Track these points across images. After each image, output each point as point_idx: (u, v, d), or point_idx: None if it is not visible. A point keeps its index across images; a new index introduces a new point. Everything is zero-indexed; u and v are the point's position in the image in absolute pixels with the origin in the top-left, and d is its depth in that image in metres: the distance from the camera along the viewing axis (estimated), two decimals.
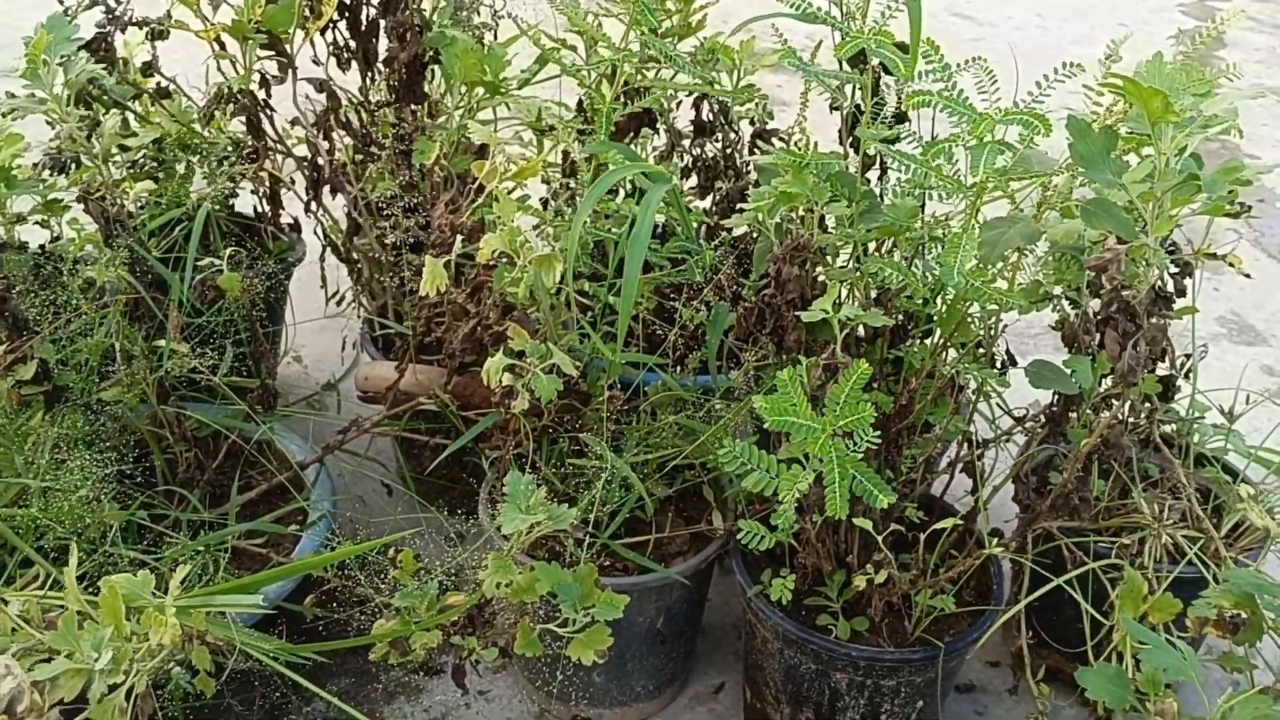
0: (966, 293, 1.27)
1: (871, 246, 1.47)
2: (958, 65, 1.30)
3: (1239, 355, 2.67)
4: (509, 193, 1.50)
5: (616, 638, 1.53)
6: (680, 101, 1.98)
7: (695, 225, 1.78)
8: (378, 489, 1.97)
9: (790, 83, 4.22)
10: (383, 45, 1.87)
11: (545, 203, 1.83)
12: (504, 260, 1.38)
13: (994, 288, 1.28)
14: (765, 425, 1.16)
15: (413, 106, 1.85)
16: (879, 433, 1.21)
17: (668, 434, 1.55)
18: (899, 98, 1.49)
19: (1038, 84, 1.23)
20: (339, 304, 2.01)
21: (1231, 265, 1.45)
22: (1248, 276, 1.57)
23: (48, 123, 1.66)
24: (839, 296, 1.35)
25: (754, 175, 1.95)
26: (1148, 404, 1.49)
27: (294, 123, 1.94)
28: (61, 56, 1.56)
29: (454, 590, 1.29)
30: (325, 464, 1.72)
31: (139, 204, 1.85)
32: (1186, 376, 1.66)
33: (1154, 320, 1.24)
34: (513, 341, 1.33)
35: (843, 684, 1.42)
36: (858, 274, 1.39)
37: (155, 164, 1.96)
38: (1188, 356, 1.67)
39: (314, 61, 1.94)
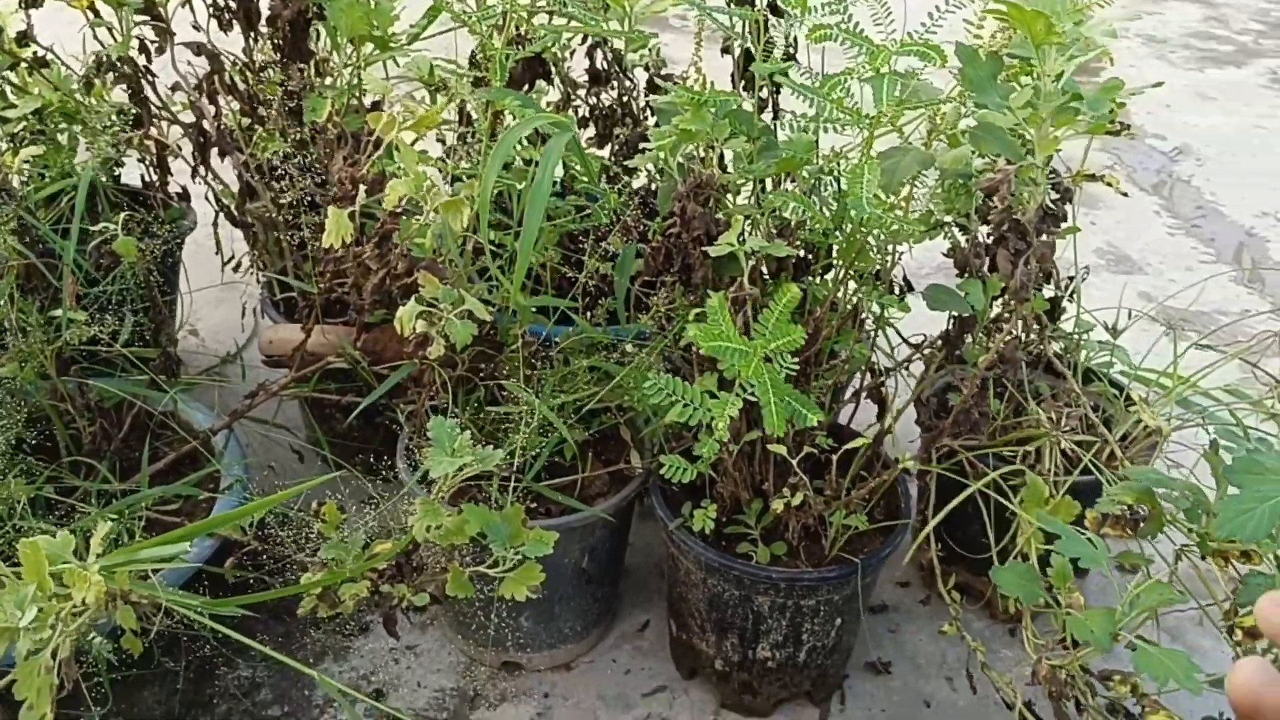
0: (870, 221, 1.32)
1: (769, 183, 1.50)
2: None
3: (1117, 283, 2.80)
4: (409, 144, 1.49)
5: (545, 581, 1.56)
6: (574, 52, 1.99)
7: (596, 172, 1.79)
8: (289, 456, 1.95)
9: (678, 40, 4.25)
10: (264, 4, 1.83)
11: (447, 156, 1.82)
12: (410, 209, 1.37)
13: (894, 214, 1.33)
14: (698, 349, 1.18)
15: (299, 65, 1.82)
16: (796, 362, 1.26)
17: (582, 378, 1.57)
18: (787, 38, 1.53)
19: (930, 15, 1.28)
20: (235, 270, 1.97)
21: (1110, 185, 1.53)
22: (1125, 195, 1.65)
23: None
24: (743, 231, 1.39)
25: (652, 122, 1.97)
26: (1038, 323, 1.56)
27: (174, 88, 1.88)
28: None
29: (380, 540, 1.29)
30: (234, 431, 1.70)
31: (23, 176, 1.79)
32: (1071, 298, 1.75)
33: (1043, 238, 1.30)
34: (424, 290, 1.33)
35: (765, 607, 1.47)
36: (759, 209, 1.43)
37: (38, 135, 1.89)
38: (1070, 279, 1.75)
39: (194, 26, 1.89)
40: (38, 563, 0.95)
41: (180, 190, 2.13)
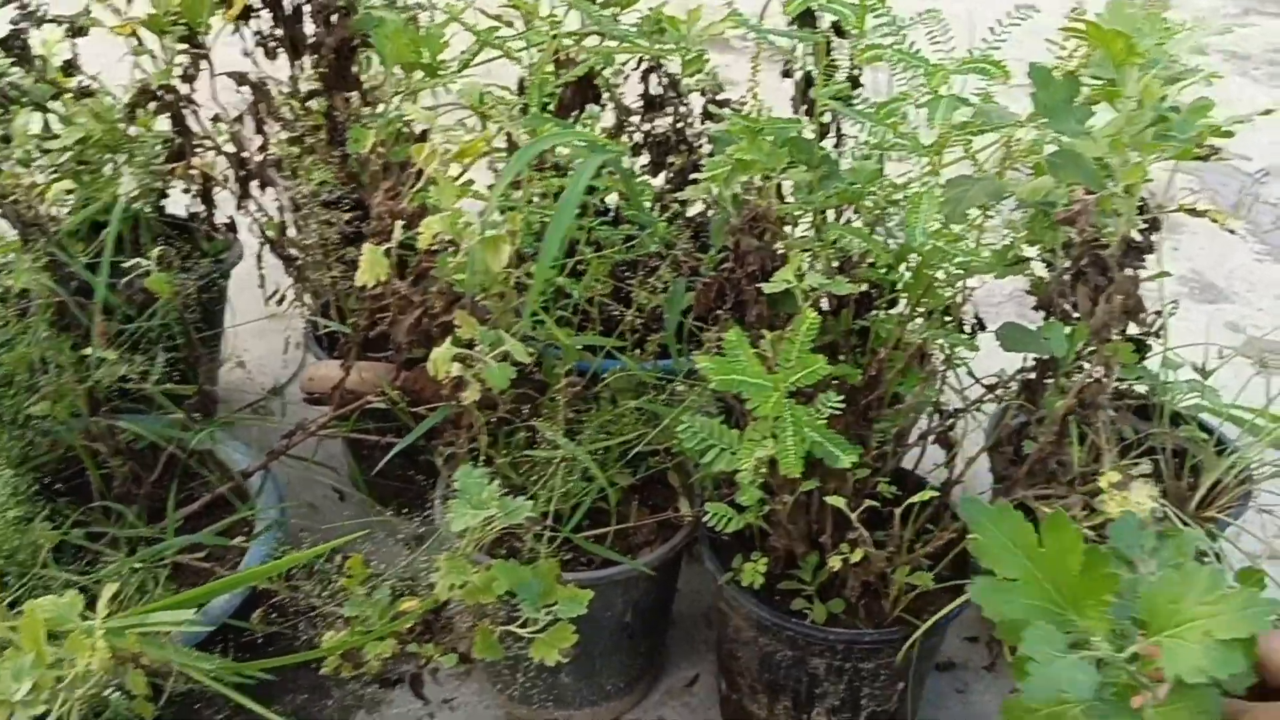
0: (931, 254, 1.22)
1: (830, 214, 1.41)
2: (909, 19, 1.25)
3: (1202, 313, 2.65)
4: (453, 178, 1.43)
5: (583, 635, 1.47)
6: (628, 77, 1.91)
7: (648, 203, 1.72)
8: (329, 495, 1.89)
9: (736, 62, 4.16)
10: (309, 31, 1.79)
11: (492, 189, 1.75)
12: (447, 246, 1.31)
13: (959, 247, 1.23)
14: (711, 386, 1.09)
15: (345, 94, 1.77)
16: (843, 400, 1.17)
17: (629, 419, 1.49)
18: (851, 61, 1.44)
19: (991, 30, 1.18)
20: (279, 304, 1.92)
21: (1215, 220, 1.40)
22: (1232, 232, 1.52)
23: None
24: (801, 267, 1.30)
25: (707, 149, 1.89)
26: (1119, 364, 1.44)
27: (215, 119, 1.85)
28: None
29: (408, 596, 1.21)
30: (271, 471, 1.64)
31: (60, 206, 1.76)
32: (1156, 335, 1.62)
33: (1125, 272, 1.19)
34: (460, 330, 1.26)
35: (821, 669, 1.37)
36: (819, 243, 1.33)
37: (80, 165, 1.87)
38: (1156, 314, 1.63)
39: (243, 53, 1.86)
40: (34, 631, 0.89)
41: (228, 221, 2.10)
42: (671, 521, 1.49)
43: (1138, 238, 1.22)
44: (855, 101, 1.38)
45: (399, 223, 1.34)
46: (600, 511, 1.48)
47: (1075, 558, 0.77)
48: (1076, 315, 1.25)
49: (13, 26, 1.75)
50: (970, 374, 1.52)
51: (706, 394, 1.45)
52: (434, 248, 1.30)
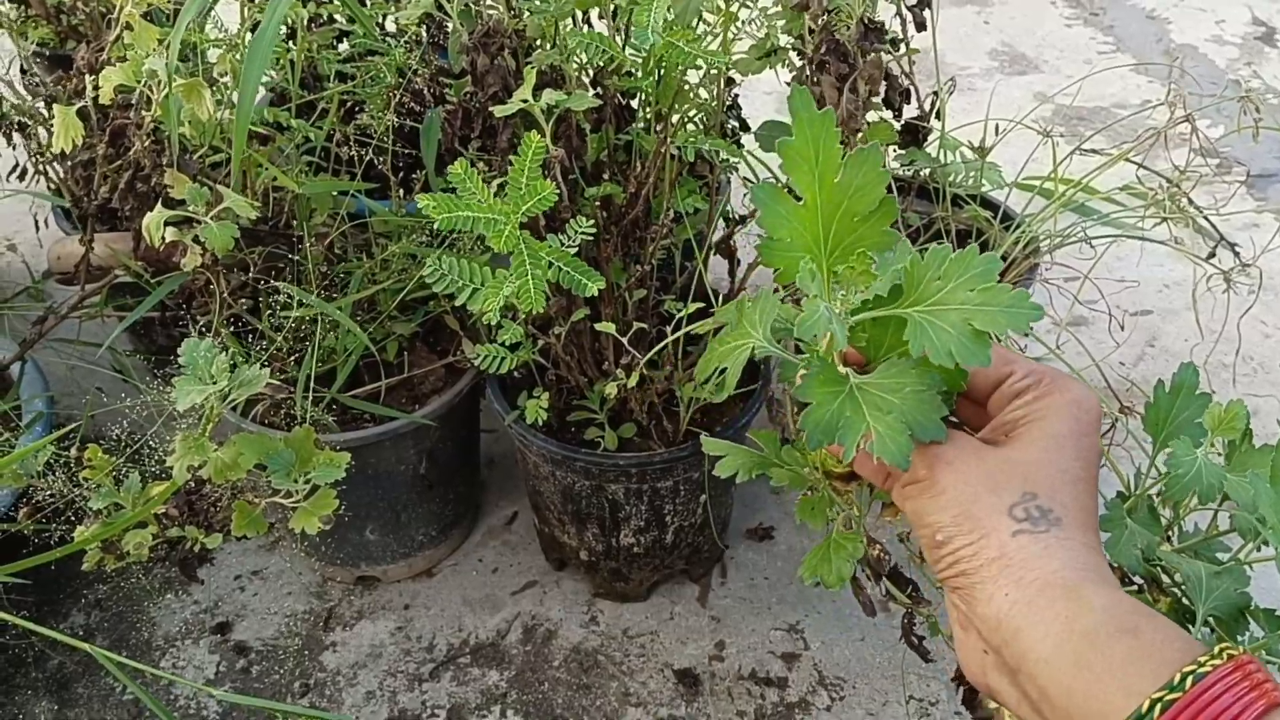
0: (672, 56, 1.14)
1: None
2: None
3: (1014, 86, 2.64)
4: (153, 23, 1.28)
5: (381, 491, 1.44)
6: None
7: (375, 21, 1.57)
8: (115, 380, 1.78)
9: None
10: None
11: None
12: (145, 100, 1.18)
13: (701, 48, 1.15)
14: (435, 226, 1.02)
15: None
16: (593, 226, 1.11)
17: (397, 265, 1.41)
18: None
19: None
20: (20, 179, 1.75)
21: None
22: None
23: None
24: (544, 83, 1.21)
25: None
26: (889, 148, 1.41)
27: None
28: None
29: (158, 480, 1.15)
30: (33, 360, 1.53)
31: None
32: (937, 116, 1.59)
33: (870, 58, 1.14)
34: (173, 190, 1.15)
35: (620, 494, 1.36)
36: (559, 55, 1.24)
37: None
38: (936, 94, 1.59)
39: None
40: None
41: None
42: (457, 366, 1.44)
43: (884, 19, 1.17)
44: None
45: (91, 78, 1.20)
46: (387, 364, 1.42)
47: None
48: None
49: None
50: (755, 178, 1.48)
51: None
52: (130, 102, 1.18)
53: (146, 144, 1.20)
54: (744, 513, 1.62)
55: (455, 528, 1.57)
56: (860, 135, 1.15)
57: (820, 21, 1.09)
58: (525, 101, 1.17)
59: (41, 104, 1.64)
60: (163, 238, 1.14)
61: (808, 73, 1.25)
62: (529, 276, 1.04)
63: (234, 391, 1.04)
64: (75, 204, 1.41)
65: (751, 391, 1.39)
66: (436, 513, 1.50)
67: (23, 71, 1.69)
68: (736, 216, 1.48)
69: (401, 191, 1.47)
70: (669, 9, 1.09)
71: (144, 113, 1.15)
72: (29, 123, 1.69)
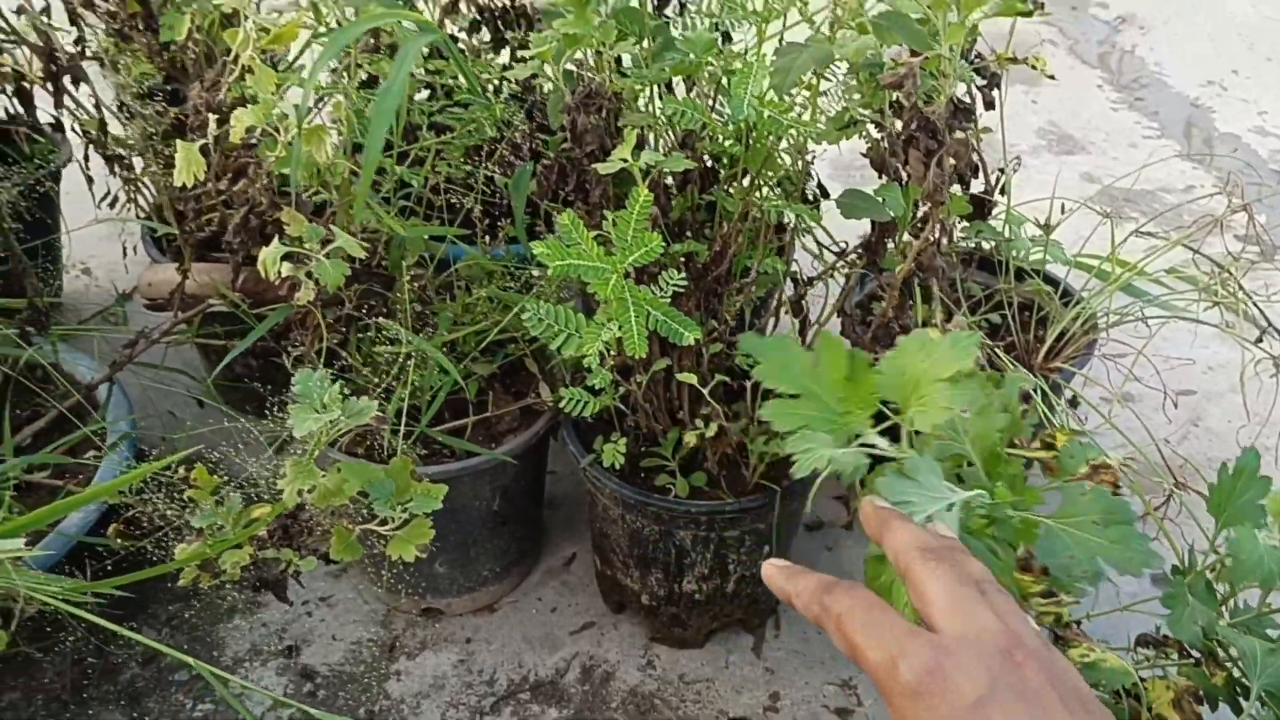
0: (765, 125, 1.21)
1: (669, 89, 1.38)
2: None
3: (1059, 165, 2.71)
4: (274, 65, 1.35)
5: (455, 525, 1.48)
6: None
7: (491, 82, 1.65)
8: (189, 403, 1.84)
9: None
10: None
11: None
12: (265, 139, 1.25)
13: (792, 118, 1.22)
14: (549, 271, 1.08)
15: None
16: (690, 278, 1.16)
17: (482, 308, 1.47)
18: None
19: None
20: (111, 207, 1.83)
21: (1034, 67, 1.41)
22: (1052, 78, 1.54)
23: None
24: (638, 143, 1.27)
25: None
26: (962, 223, 1.47)
27: (19, 11, 1.71)
28: None
29: (260, 503, 1.19)
30: (119, 382, 1.58)
31: None
32: (1002, 191, 1.65)
33: (956, 135, 1.19)
34: (289, 228, 1.21)
35: (687, 541, 1.40)
36: (656, 118, 1.31)
37: None
38: (1000, 171, 1.65)
39: None
40: None
41: (53, 120, 1.97)
42: (534, 408, 1.49)
43: (965, 99, 1.23)
44: None
45: (214, 116, 1.27)
46: (465, 402, 1.47)
47: (841, 369, 0.86)
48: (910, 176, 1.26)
49: None
50: (819, 243, 1.54)
51: (557, 279, 1.44)
52: (252, 142, 1.24)
53: (264, 182, 1.27)
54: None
55: (518, 565, 1.61)
56: (944, 207, 1.21)
57: (911, 100, 1.15)
58: (625, 160, 1.24)
59: (137, 134, 1.71)
60: (279, 272, 1.20)
61: (885, 145, 1.31)
62: (633, 324, 1.09)
63: (344, 421, 1.10)
64: (182, 234, 1.47)
65: None
66: (504, 549, 1.54)
67: (120, 105, 1.76)
68: (805, 278, 1.54)
69: (487, 238, 1.54)
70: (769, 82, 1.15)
71: (269, 152, 1.21)
72: (124, 153, 1.76)
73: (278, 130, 1.20)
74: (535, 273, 1.51)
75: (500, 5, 1.77)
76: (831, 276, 1.54)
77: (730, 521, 1.37)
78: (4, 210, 1.53)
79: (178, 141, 1.24)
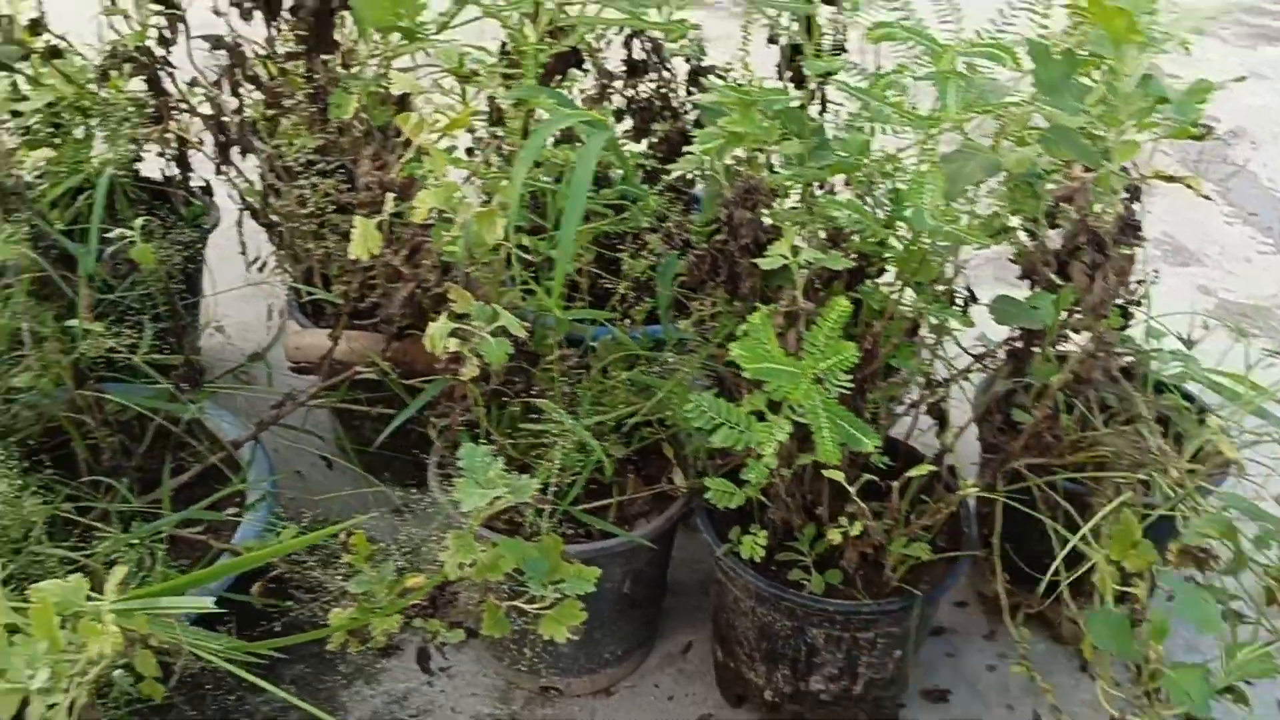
0: (934, 233, 1.22)
1: (819, 186, 1.41)
2: None
3: (1175, 277, 2.69)
4: (442, 148, 1.41)
5: (586, 605, 1.48)
6: (610, 41, 1.89)
7: (634, 169, 1.70)
8: (316, 463, 1.88)
9: (710, 18, 4.11)
10: None
11: (470, 152, 1.73)
12: (440, 218, 1.30)
13: (960, 226, 1.24)
14: (743, 373, 1.10)
15: (324, 57, 1.73)
16: (850, 380, 1.17)
17: (621, 391, 1.49)
18: (836, 27, 1.44)
19: (1000, 11, 1.18)
20: (260, 270, 1.90)
21: (1190, 186, 1.42)
22: (1208, 198, 1.54)
23: None
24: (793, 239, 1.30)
25: (691, 116, 1.87)
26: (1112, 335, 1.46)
27: (193, 83, 1.81)
28: None
29: (411, 571, 1.21)
30: (260, 441, 1.63)
31: (37, 174, 1.72)
32: (1139, 303, 1.64)
33: (1121, 250, 1.20)
34: (455, 305, 1.25)
35: (819, 639, 1.39)
36: (810, 215, 1.34)
37: (51, 129, 1.83)
38: (1138, 282, 1.65)
39: (214, 12, 1.81)
40: (48, 618, 0.88)
41: (204, 185, 2.07)
42: (666, 492, 1.50)
43: (1133, 217, 1.24)
44: (842, 69, 1.37)
45: (390, 195, 1.32)
46: (595, 484, 1.49)
47: None
48: (1060, 284, 1.26)
49: None
50: (957, 342, 1.54)
51: (696, 365, 1.46)
52: (428, 221, 1.29)
53: (434, 260, 1.31)
54: (919, 672, 1.63)
55: (638, 649, 1.61)
56: (1105, 321, 1.21)
57: (1082, 213, 1.17)
58: (785, 256, 1.26)
59: (293, 203, 1.78)
60: (444, 347, 1.23)
61: (1040, 254, 1.31)
62: (825, 430, 1.10)
63: (507, 498, 1.12)
64: (347, 302, 1.51)
65: (955, 552, 1.42)
66: (628, 633, 1.55)
67: (276, 175, 1.83)
68: (939, 379, 1.54)
69: (628, 322, 1.57)
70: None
71: (443, 232, 1.26)
72: (280, 220, 1.83)
73: (453, 211, 1.25)
74: (671, 358, 1.53)
75: (646, 97, 1.82)
76: (966, 378, 1.54)
77: (866, 623, 1.36)
78: (169, 271, 1.59)
79: (356, 218, 1.29)
